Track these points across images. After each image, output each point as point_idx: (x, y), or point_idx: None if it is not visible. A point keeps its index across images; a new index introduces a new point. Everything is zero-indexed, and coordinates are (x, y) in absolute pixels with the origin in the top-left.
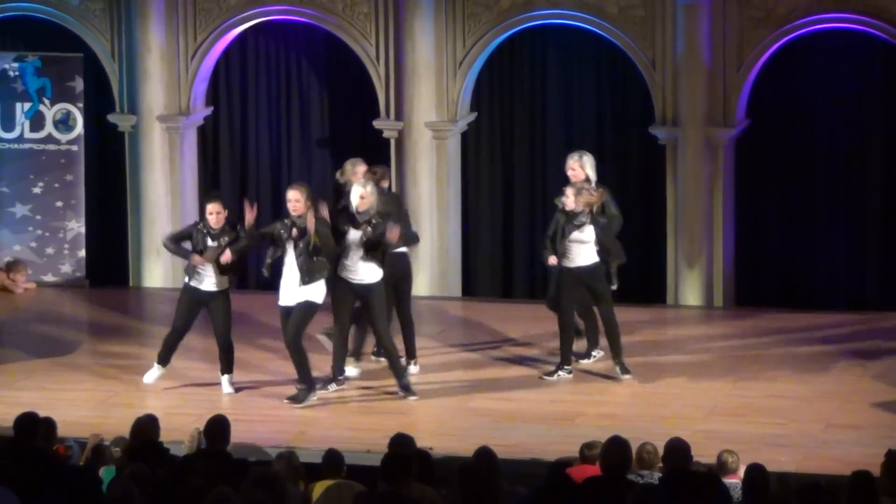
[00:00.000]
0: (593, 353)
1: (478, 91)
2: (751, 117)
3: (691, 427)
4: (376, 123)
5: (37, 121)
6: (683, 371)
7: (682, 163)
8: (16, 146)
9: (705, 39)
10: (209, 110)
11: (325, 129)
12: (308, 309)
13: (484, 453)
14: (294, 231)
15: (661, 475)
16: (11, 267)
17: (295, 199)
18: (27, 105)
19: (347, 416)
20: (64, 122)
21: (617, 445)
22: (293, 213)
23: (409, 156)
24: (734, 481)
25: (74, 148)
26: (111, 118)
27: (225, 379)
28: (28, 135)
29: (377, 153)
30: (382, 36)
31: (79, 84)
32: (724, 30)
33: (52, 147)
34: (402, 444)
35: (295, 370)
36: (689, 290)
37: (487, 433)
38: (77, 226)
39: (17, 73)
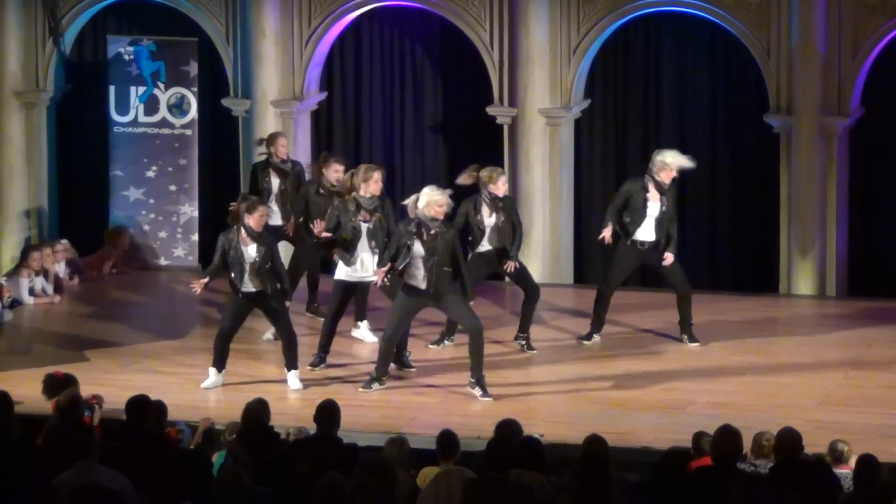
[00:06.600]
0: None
1: (591, 78)
2: (865, 106)
3: (803, 416)
4: (490, 110)
5: (151, 105)
6: (795, 360)
7: (796, 151)
8: (130, 130)
9: (820, 28)
10: (323, 95)
11: (438, 115)
12: None
13: (595, 441)
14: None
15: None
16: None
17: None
18: (142, 89)
19: (458, 403)
20: (178, 107)
21: (728, 435)
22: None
23: (522, 142)
24: (845, 471)
25: (188, 132)
26: (225, 102)
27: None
28: (142, 118)
29: (490, 139)
30: (497, 22)
31: (193, 68)
32: (839, 18)
33: (165, 131)
34: (508, 430)
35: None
36: (802, 279)
37: (598, 421)
38: (190, 210)
39: (131, 57)
